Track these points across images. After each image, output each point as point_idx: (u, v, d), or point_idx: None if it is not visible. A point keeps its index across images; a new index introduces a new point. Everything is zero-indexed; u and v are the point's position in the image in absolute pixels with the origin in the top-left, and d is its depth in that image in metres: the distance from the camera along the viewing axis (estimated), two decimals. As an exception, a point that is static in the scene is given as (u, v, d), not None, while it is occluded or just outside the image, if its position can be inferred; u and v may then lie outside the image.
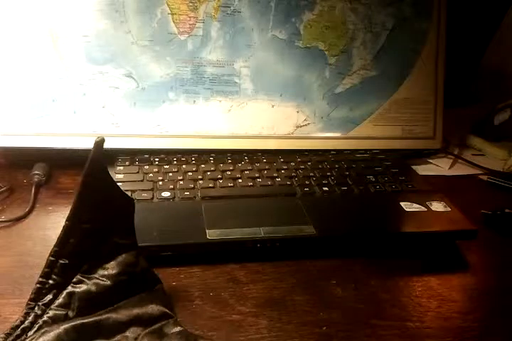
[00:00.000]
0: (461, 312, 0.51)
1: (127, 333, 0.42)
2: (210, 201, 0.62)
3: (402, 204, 0.63)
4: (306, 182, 0.67)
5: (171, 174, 0.66)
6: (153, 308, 0.44)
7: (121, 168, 0.67)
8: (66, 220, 0.43)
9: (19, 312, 0.43)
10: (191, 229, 0.56)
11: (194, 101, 0.72)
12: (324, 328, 0.47)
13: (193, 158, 0.71)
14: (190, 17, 0.70)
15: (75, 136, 0.69)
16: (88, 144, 0.43)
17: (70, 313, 0.43)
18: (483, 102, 0.96)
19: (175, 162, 0.69)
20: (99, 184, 0.44)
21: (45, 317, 0.42)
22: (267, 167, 0.70)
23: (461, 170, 0.81)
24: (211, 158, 0.71)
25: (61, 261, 0.43)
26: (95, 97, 0.69)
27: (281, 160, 0.73)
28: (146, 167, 0.67)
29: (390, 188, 0.68)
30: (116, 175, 0.65)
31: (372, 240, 0.59)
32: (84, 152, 0.43)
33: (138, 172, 0.66)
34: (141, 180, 0.65)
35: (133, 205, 0.47)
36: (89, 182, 0.43)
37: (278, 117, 0.75)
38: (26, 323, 0.42)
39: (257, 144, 0.74)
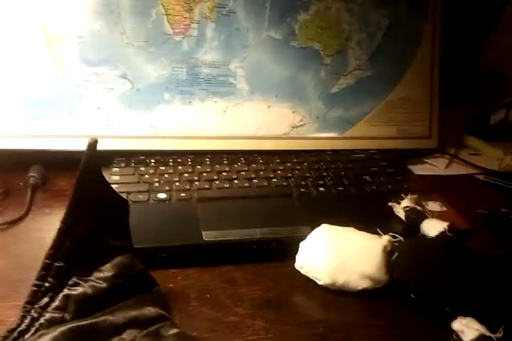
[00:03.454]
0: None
1: (124, 335, 0.42)
2: (206, 202, 0.62)
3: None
4: (303, 183, 0.67)
5: (166, 175, 0.66)
6: (149, 310, 0.44)
7: (117, 169, 0.67)
8: (61, 223, 0.43)
9: (16, 314, 0.42)
10: (187, 231, 0.56)
11: (189, 102, 0.72)
12: (321, 329, 0.47)
13: (188, 159, 0.71)
14: (185, 18, 0.70)
15: (70, 137, 0.68)
16: (84, 146, 0.43)
17: (67, 316, 0.43)
18: (480, 102, 0.96)
19: (171, 163, 0.69)
20: (94, 186, 0.44)
21: (41, 320, 0.42)
22: (263, 168, 0.70)
23: (458, 169, 0.81)
24: (207, 159, 0.71)
25: (57, 264, 0.43)
26: (90, 99, 0.69)
27: (278, 160, 0.73)
28: (142, 168, 0.67)
29: (386, 188, 0.68)
30: (112, 176, 0.65)
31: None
32: (80, 154, 0.43)
33: (134, 173, 0.66)
34: (137, 182, 0.65)
35: (128, 207, 0.47)
36: (83, 184, 0.43)
37: (274, 118, 0.75)
38: (23, 326, 0.41)
39: (252, 145, 0.74)
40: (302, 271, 0.53)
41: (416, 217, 0.58)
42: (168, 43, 0.70)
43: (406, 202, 0.60)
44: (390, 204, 0.61)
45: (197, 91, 0.72)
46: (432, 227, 0.55)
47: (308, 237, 0.54)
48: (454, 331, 0.45)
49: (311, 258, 0.52)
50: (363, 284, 0.50)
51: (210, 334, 0.46)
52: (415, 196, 0.62)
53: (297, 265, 0.53)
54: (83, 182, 0.44)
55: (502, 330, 0.43)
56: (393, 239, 0.52)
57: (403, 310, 0.50)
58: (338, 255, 0.51)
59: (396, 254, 0.50)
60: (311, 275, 0.52)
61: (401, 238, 0.52)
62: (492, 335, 0.43)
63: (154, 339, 0.42)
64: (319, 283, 0.51)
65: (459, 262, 0.49)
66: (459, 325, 0.45)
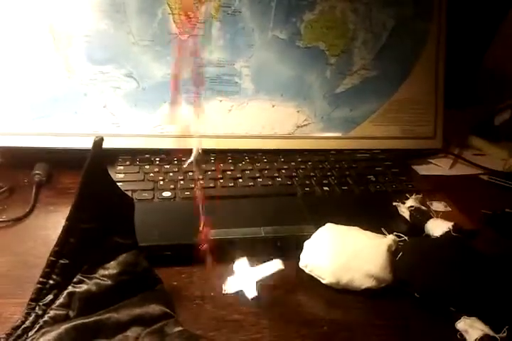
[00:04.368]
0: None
1: (128, 333, 0.42)
2: (210, 201, 0.62)
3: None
4: (307, 182, 0.67)
5: (171, 174, 0.66)
6: (154, 308, 0.45)
7: (122, 167, 0.67)
8: (66, 220, 0.43)
9: (20, 312, 0.43)
10: (192, 229, 0.56)
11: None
12: (325, 328, 0.47)
13: (193, 158, 0.71)
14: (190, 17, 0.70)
15: (76, 135, 0.69)
16: (89, 144, 0.43)
17: (71, 313, 0.43)
18: (484, 103, 0.96)
19: (175, 162, 0.69)
20: (99, 183, 0.44)
21: (45, 317, 0.42)
22: (267, 167, 0.70)
23: (462, 169, 0.81)
24: (212, 158, 0.71)
25: (61, 261, 0.43)
26: (96, 97, 0.69)
27: (282, 160, 0.73)
28: (147, 167, 0.68)
29: (391, 188, 0.68)
30: (117, 174, 0.65)
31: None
32: (85, 152, 0.43)
33: (139, 172, 0.66)
34: (142, 180, 0.65)
35: (133, 205, 0.47)
36: (89, 181, 0.44)
37: (278, 117, 0.75)
38: (27, 323, 0.42)
39: (257, 144, 0.74)
40: (306, 270, 0.53)
41: (421, 216, 0.58)
42: (174, 42, 0.70)
43: (411, 202, 0.60)
44: (394, 204, 0.61)
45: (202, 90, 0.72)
46: (437, 227, 0.55)
47: (312, 236, 0.54)
48: (457, 331, 0.45)
49: (316, 257, 0.52)
50: (367, 283, 0.50)
51: (214, 332, 0.46)
52: (420, 196, 0.62)
53: (301, 264, 0.53)
54: (88, 180, 0.44)
55: (506, 330, 0.43)
56: (398, 239, 0.52)
57: (407, 309, 0.50)
58: (342, 254, 0.51)
59: (400, 254, 0.50)
60: (315, 274, 0.52)
61: (405, 237, 0.52)
62: (496, 335, 0.43)
63: (158, 337, 0.42)
64: (323, 282, 0.51)
65: (463, 262, 0.49)
66: (463, 324, 0.45)
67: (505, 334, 0.43)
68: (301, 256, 0.53)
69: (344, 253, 0.51)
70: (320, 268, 0.52)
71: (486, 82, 1.00)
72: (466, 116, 0.92)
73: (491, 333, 0.43)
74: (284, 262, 0.54)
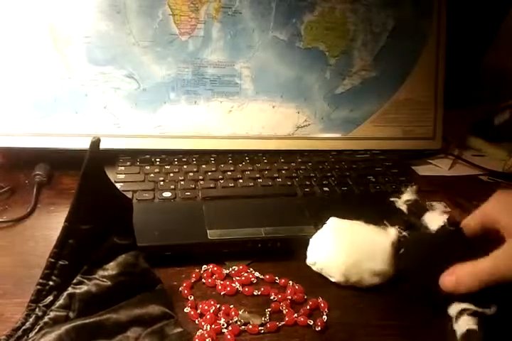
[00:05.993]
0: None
1: (128, 333, 0.43)
2: (211, 201, 0.62)
3: (402, 204, 0.63)
4: (307, 183, 0.67)
5: (172, 174, 0.67)
6: (153, 308, 0.45)
7: (123, 168, 0.67)
8: (65, 221, 0.44)
9: (21, 312, 0.43)
10: (192, 229, 0.56)
11: (195, 102, 0.72)
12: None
13: (193, 159, 0.71)
14: (191, 18, 0.70)
15: (76, 136, 0.69)
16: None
17: (71, 314, 0.43)
18: (484, 103, 0.96)
19: (176, 162, 0.70)
20: (97, 184, 0.44)
21: (46, 319, 0.42)
22: (267, 167, 0.70)
23: (461, 170, 0.81)
24: (212, 159, 0.71)
25: (61, 262, 0.44)
26: (97, 98, 0.69)
27: (282, 160, 0.73)
28: (148, 167, 0.68)
29: (391, 188, 0.68)
30: (118, 175, 0.65)
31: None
32: (86, 152, 0.43)
33: (139, 172, 0.67)
34: (143, 181, 0.65)
35: (131, 205, 0.47)
36: (87, 182, 0.44)
37: (278, 118, 0.75)
38: (27, 325, 0.42)
39: (257, 145, 0.74)
40: (314, 268, 0.53)
41: (417, 210, 0.58)
42: (175, 43, 0.70)
43: (407, 196, 0.60)
44: (392, 199, 0.61)
45: (202, 91, 0.72)
46: (433, 220, 0.55)
47: (318, 232, 0.54)
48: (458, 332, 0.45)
49: (325, 255, 0.52)
50: (373, 280, 0.51)
51: (213, 332, 0.46)
52: (415, 187, 0.61)
53: (309, 261, 0.53)
54: (86, 181, 0.44)
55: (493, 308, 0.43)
56: (400, 234, 0.52)
57: (406, 310, 0.50)
58: (351, 254, 0.51)
59: (402, 250, 0.50)
60: (324, 272, 0.52)
61: (406, 233, 0.52)
62: (483, 310, 0.43)
63: (158, 338, 0.43)
64: (332, 280, 0.52)
65: (464, 258, 0.49)
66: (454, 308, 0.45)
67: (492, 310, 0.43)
68: (308, 253, 0.53)
69: (353, 253, 0.51)
70: (330, 268, 0.52)
71: (485, 81, 1.00)
72: (465, 116, 0.92)
73: (480, 310, 0.44)
74: (283, 262, 0.55)
